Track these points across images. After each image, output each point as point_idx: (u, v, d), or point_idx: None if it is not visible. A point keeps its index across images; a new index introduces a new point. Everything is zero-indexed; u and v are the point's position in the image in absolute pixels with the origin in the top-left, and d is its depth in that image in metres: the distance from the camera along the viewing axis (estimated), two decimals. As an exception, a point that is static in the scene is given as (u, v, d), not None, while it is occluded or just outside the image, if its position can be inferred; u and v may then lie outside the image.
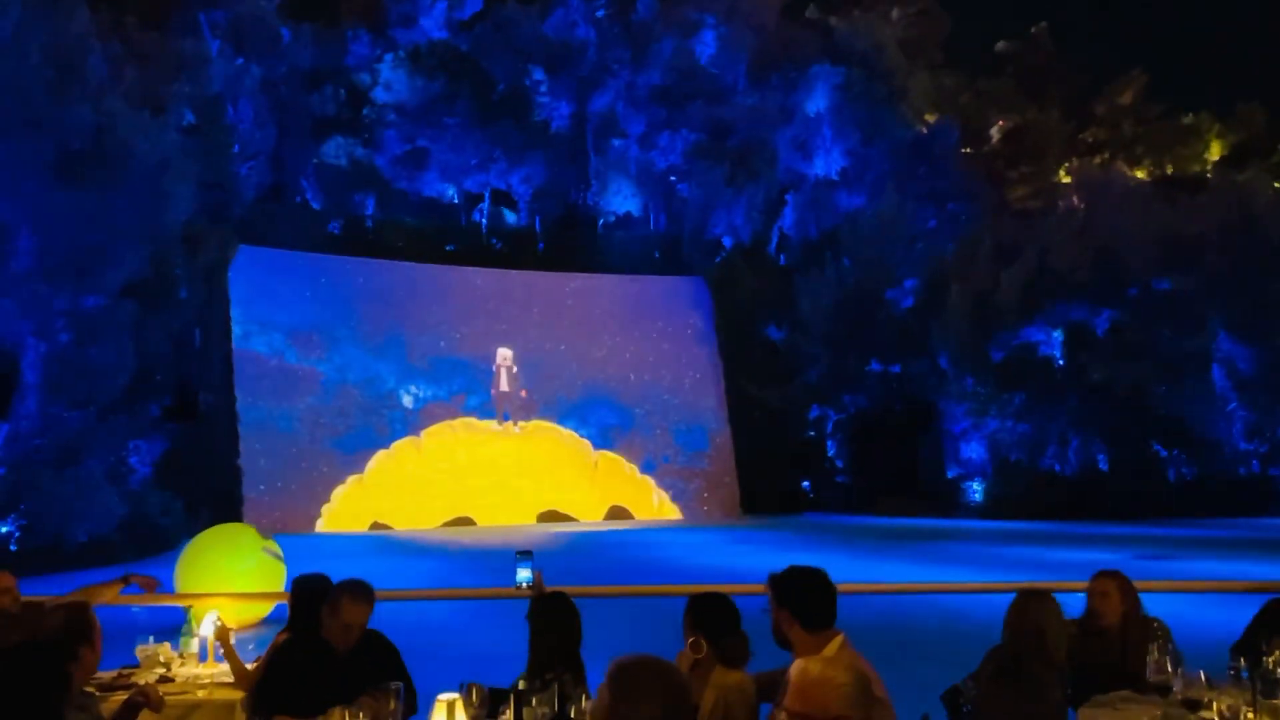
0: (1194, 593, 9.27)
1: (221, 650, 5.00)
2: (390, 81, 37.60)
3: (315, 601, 4.36)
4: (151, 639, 5.32)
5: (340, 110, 37.96)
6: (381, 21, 40.69)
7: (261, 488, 29.86)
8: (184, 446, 26.96)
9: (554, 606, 4.07)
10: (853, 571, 14.09)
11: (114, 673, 4.99)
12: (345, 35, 40.22)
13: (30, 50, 20.17)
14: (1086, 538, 22.75)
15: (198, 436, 28.32)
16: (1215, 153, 49.52)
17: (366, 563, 19.07)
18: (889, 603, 11.16)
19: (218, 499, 28.37)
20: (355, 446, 32.03)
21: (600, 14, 41.74)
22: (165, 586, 6.22)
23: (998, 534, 24.89)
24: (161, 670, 5.12)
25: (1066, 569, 14.65)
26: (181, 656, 5.35)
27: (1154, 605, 4.87)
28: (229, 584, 10.95)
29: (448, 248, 37.35)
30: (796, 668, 2.65)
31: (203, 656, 5.37)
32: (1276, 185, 37.48)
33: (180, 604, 7.26)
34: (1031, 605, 4.06)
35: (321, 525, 30.12)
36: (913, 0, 48.25)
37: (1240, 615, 4.96)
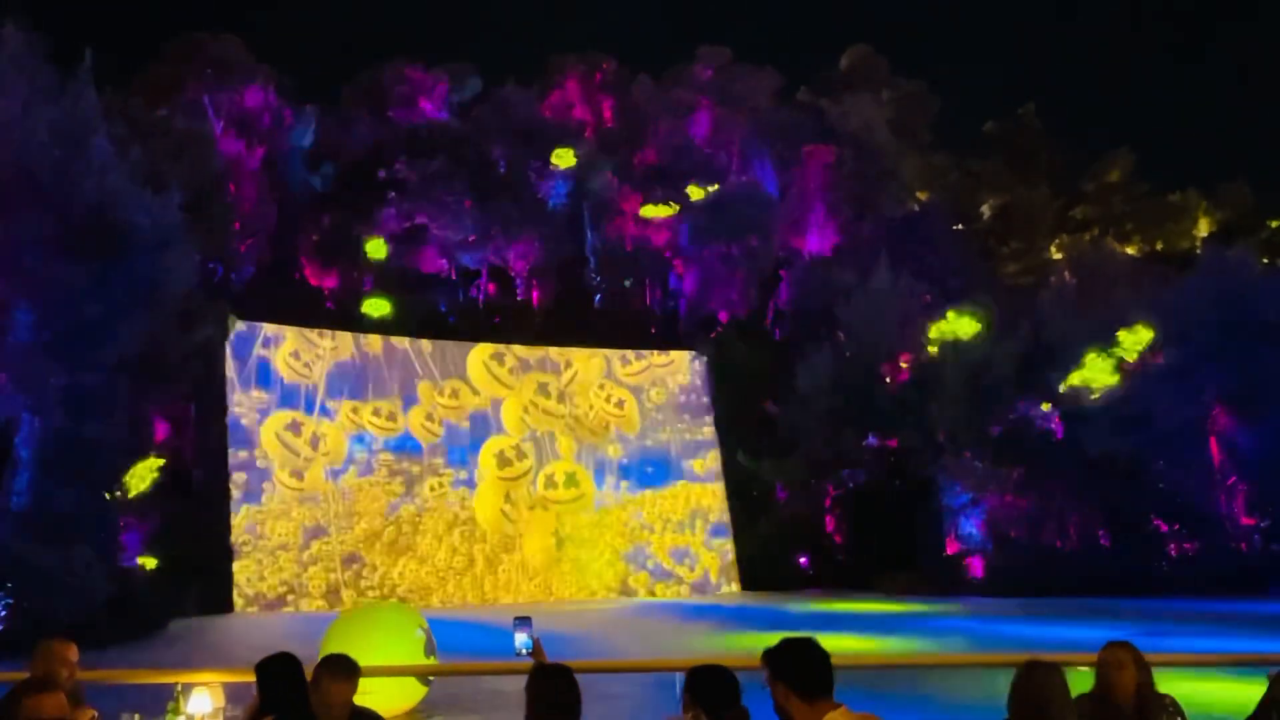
0: (1199, 666, 9.10)
1: None
2: (389, 160, 38.19)
3: (281, 682, 4.25)
4: (137, 716, 5.19)
5: (339, 188, 38.49)
6: (383, 103, 41.60)
7: (253, 568, 29.43)
8: (176, 524, 26.66)
9: (553, 680, 3.88)
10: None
11: (97, 751, 4.85)
12: (347, 116, 41.06)
13: (38, 129, 20.50)
14: (1091, 613, 22.41)
15: (190, 514, 28.04)
16: (1203, 229, 50.23)
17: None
18: (887, 679, 10.93)
19: (208, 578, 27.95)
20: (349, 523, 31.65)
21: (596, 96, 42.71)
22: (149, 662, 6.09)
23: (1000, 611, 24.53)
24: (146, 749, 4.99)
25: (1073, 646, 14.40)
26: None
27: (1161, 680, 4.76)
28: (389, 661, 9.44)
29: (448, 321, 37.48)
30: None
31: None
32: (1265, 261, 37.89)
33: (169, 681, 7.10)
34: (1036, 676, 3.98)
35: (313, 604, 29.63)
36: (902, 83, 49.48)
37: (1246, 690, 4.87)
